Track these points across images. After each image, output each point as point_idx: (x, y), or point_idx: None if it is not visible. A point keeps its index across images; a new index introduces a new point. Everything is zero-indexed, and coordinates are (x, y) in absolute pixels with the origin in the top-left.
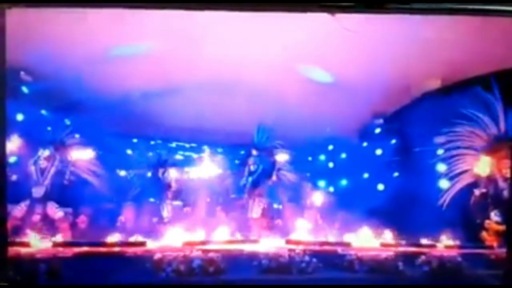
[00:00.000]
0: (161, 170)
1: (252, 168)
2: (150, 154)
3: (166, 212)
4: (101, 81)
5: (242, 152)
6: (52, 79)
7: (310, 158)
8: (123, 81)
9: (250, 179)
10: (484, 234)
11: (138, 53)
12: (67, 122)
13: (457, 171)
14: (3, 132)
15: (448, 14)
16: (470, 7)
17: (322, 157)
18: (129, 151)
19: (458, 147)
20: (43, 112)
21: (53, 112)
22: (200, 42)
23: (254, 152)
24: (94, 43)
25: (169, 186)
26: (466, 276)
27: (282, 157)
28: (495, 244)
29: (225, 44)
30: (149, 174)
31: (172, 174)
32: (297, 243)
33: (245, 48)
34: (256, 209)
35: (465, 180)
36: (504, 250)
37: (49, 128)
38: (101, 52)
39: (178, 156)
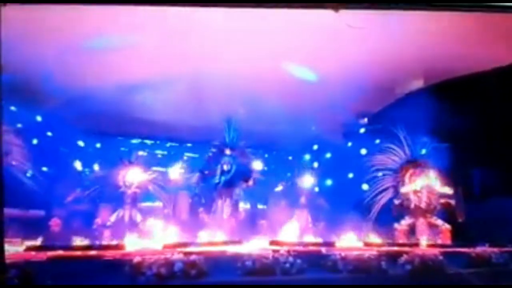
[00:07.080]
0: (131, 169)
1: (225, 167)
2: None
3: (139, 217)
4: (72, 75)
5: (214, 150)
6: (21, 73)
7: (290, 158)
8: (94, 75)
9: (223, 178)
10: None
11: (111, 46)
12: (39, 118)
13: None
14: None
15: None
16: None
17: (307, 157)
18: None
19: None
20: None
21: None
22: (177, 37)
23: (228, 151)
24: (65, 36)
25: (141, 187)
26: (448, 275)
27: (258, 164)
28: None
29: (205, 39)
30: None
31: (145, 174)
32: (281, 244)
33: (227, 44)
34: (226, 209)
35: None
36: (484, 248)
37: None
38: (73, 44)
39: (155, 155)
